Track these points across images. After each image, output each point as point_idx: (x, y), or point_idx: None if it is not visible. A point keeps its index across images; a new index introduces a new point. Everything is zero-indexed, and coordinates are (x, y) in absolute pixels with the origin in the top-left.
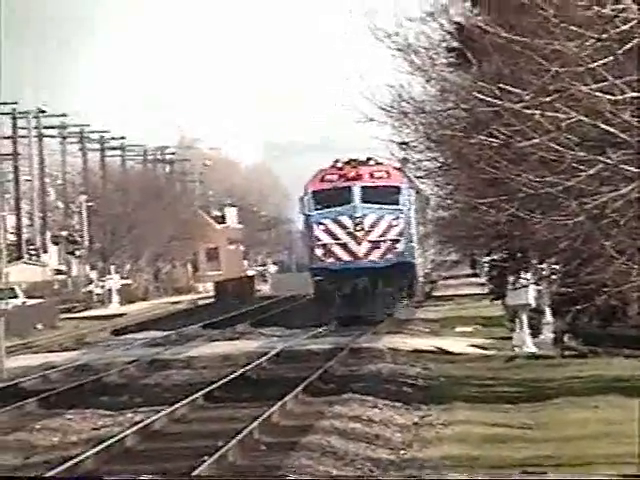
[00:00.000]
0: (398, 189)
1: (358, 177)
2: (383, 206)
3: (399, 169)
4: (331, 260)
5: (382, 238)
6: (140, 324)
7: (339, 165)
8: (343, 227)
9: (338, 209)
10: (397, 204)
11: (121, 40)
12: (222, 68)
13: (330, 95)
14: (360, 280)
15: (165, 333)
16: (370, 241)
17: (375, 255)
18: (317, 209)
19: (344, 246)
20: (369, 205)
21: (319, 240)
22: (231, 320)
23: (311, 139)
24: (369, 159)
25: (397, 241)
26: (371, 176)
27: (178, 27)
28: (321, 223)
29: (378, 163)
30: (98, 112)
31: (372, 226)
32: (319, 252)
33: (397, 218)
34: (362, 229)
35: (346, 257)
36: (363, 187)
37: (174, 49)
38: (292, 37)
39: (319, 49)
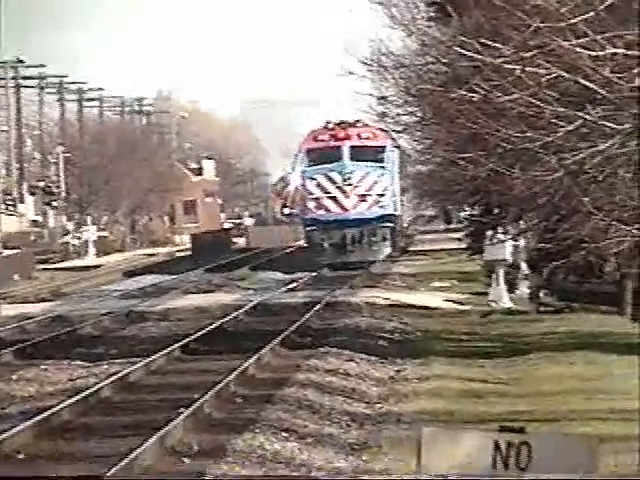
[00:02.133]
0: (383, 148)
1: (347, 137)
2: (369, 163)
3: (384, 130)
4: (322, 212)
5: (368, 192)
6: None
7: (330, 126)
8: (333, 182)
9: (329, 166)
10: (382, 162)
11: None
12: (202, 21)
13: (309, 49)
14: (348, 230)
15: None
16: (358, 195)
17: (362, 208)
18: (310, 165)
19: (334, 199)
20: (357, 162)
21: (311, 194)
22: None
23: (289, 94)
24: (357, 121)
25: (382, 195)
26: (359, 136)
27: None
28: (313, 178)
29: (365, 125)
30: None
31: (359, 181)
32: (311, 205)
33: (382, 175)
34: (350, 184)
35: (336, 209)
36: (352, 146)
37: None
38: None
39: (299, 3)
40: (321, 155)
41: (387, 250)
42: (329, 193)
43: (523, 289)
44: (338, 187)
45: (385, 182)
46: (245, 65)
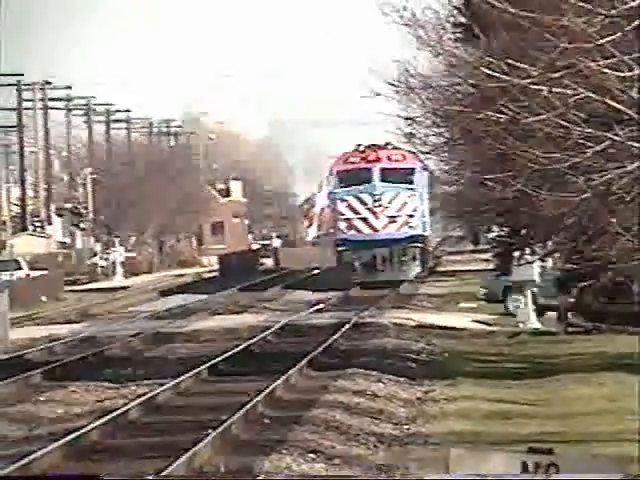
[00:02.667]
0: (412, 170)
1: (377, 160)
2: (399, 185)
3: (413, 153)
4: (353, 232)
5: (398, 213)
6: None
7: (361, 149)
8: (364, 203)
9: (359, 187)
10: (411, 184)
11: (127, 13)
12: (228, 43)
13: (337, 70)
14: (378, 250)
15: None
16: (387, 216)
17: (392, 228)
18: (341, 187)
19: (364, 220)
20: (387, 184)
21: (342, 215)
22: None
23: (316, 115)
24: (387, 144)
25: (411, 216)
26: (389, 159)
27: (186, 2)
28: (344, 200)
29: (395, 148)
30: (104, 84)
31: (389, 203)
32: (342, 226)
33: (411, 196)
34: (380, 205)
35: (366, 230)
36: (382, 169)
37: (182, 22)
38: (301, 13)
39: (327, 24)
40: (352, 177)
41: (416, 270)
42: (360, 214)
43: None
44: (368, 208)
45: (414, 203)
46: (272, 86)
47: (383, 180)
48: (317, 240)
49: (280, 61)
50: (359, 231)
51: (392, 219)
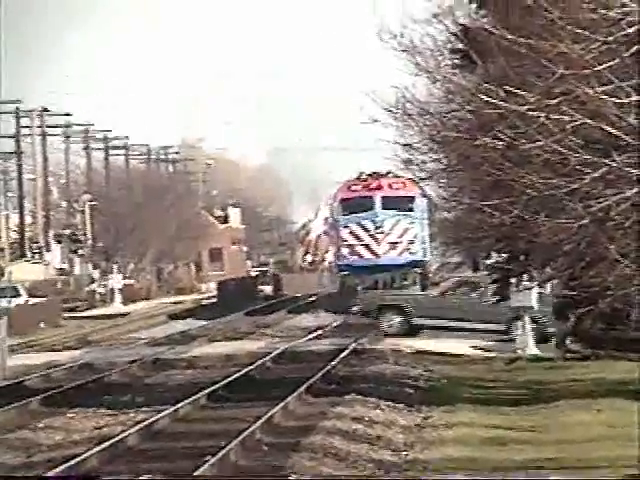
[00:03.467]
0: (412, 198)
1: (379, 187)
2: (400, 212)
3: (413, 180)
4: (355, 258)
5: (399, 240)
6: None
7: (363, 177)
8: (366, 230)
9: (362, 215)
10: (412, 211)
11: (123, 39)
12: (226, 70)
13: (333, 97)
14: (380, 275)
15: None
16: (389, 242)
17: (393, 254)
18: (344, 214)
19: (367, 246)
20: (388, 211)
21: (345, 241)
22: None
23: (314, 142)
24: (389, 172)
25: (412, 242)
26: (390, 187)
27: (181, 27)
28: (347, 226)
29: (396, 176)
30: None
31: (391, 229)
32: (345, 251)
33: (412, 223)
34: (382, 232)
35: (368, 255)
36: (383, 196)
37: (178, 49)
38: (296, 39)
39: (325, 49)
40: (355, 204)
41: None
42: (362, 240)
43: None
44: (371, 235)
45: (415, 230)
46: (271, 113)
47: (384, 207)
48: (313, 267)
49: (278, 87)
50: (361, 257)
51: (393, 245)
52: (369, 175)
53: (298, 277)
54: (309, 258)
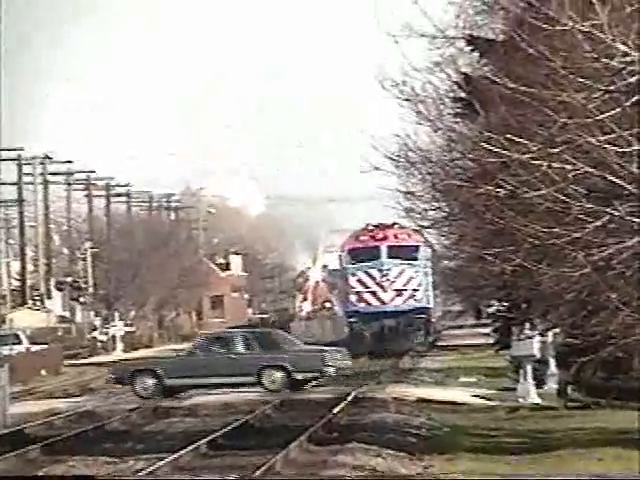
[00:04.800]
0: (417, 248)
1: (385, 238)
2: (405, 261)
3: (418, 231)
4: (362, 305)
5: (404, 287)
6: None
7: (370, 228)
8: (372, 278)
9: (369, 263)
10: (416, 260)
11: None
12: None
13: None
14: (386, 321)
15: None
16: (394, 290)
17: (399, 301)
18: (352, 263)
19: (373, 293)
20: (394, 260)
21: (353, 288)
22: None
23: (314, 190)
24: (394, 224)
25: (416, 290)
26: (395, 237)
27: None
28: (354, 274)
29: (401, 227)
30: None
31: (396, 277)
32: (353, 298)
33: (416, 271)
34: (388, 280)
35: (375, 302)
36: (389, 246)
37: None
38: (296, 86)
39: (325, 96)
40: (362, 254)
41: (421, 339)
42: (369, 288)
43: (551, 385)
44: (377, 283)
45: (419, 278)
46: (270, 163)
47: (390, 257)
48: (311, 315)
49: (279, 135)
50: (369, 303)
51: (399, 292)
52: (375, 226)
53: (299, 325)
54: (307, 306)
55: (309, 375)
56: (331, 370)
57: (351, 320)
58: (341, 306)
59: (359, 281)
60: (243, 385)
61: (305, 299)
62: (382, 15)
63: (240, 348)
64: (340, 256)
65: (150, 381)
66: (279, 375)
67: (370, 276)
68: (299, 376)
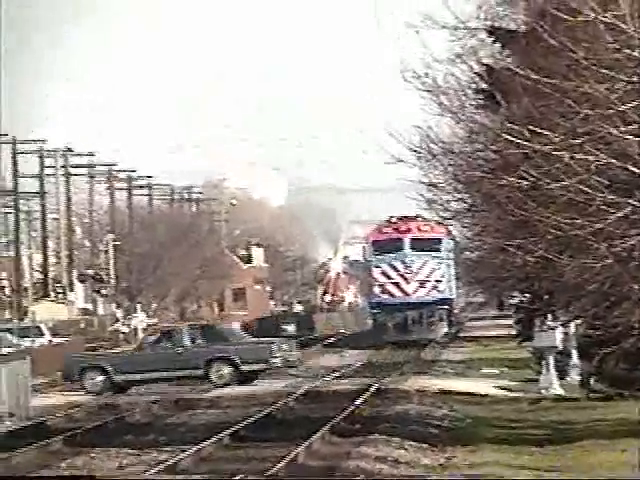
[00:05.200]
0: (439, 240)
1: (408, 230)
2: (428, 253)
3: (440, 223)
4: (386, 296)
5: (427, 279)
6: None
7: (393, 220)
8: (396, 270)
9: (392, 255)
10: (439, 251)
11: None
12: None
13: (356, 136)
14: (410, 312)
15: None
16: (418, 281)
17: (422, 292)
18: (375, 255)
19: (397, 285)
20: (417, 252)
21: (377, 280)
22: None
23: (337, 181)
24: (417, 216)
25: (439, 281)
26: (418, 229)
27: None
28: (378, 266)
29: (424, 219)
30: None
31: (419, 269)
32: (377, 290)
33: (439, 263)
34: (411, 272)
35: (398, 294)
36: (412, 238)
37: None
38: (320, 78)
39: (347, 88)
40: (385, 246)
41: (444, 330)
42: (392, 279)
43: (573, 376)
44: (400, 274)
45: (442, 269)
46: (294, 153)
47: (413, 249)
48: (331, 306)
49: (301, 128)
50: (392, 295)
51: (422, 284)
52: (399, 219)
53: (321, 317)
54: (328, 298)
55: (255, 367)
56: (278, 361)
57: (374, 311)
58: (365, 297)
59: (383, 273)
60: (190, 378)
61: (326, 291)
62: (404, 6)
63: (187, 342)
64: (364, 248)
65: (99, 377)
66: (226, 368)
67: (393, 268)
68: (246, 368)
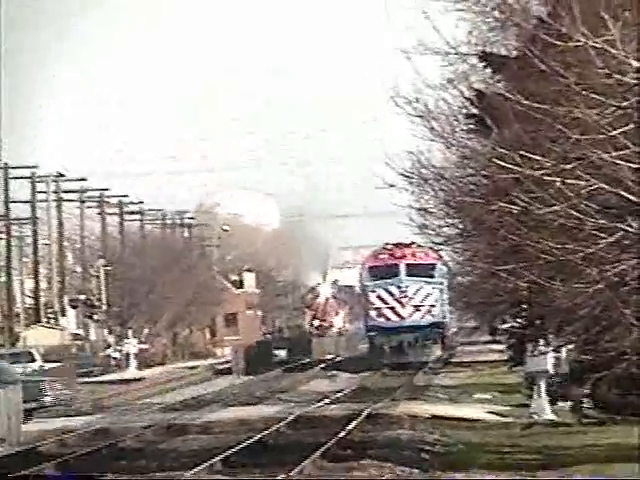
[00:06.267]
0: (434, 266)
1: (403, 256)
2: (422, 279)
3: (434, 250)
4: (382, 320)
5: (422, 303)
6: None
7: (389, 247)
8: (391, 294)
9: (388, 281)
10: (433, 277)
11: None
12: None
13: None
14: (405, 335)
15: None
16: (413, 305)
17: (417, 316)
18: (372, 280)
19: (392, 309)
20: (412, 278)
21: (373, 304)
22: None
23: (328, 207)
24: (412, 243)
25: (433, 306)
26: (413, 255)
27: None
28: (374, 291)
29: (419, 246)
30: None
31: (414, 294)
32: (373, 314)
33: (433, 288)
34: (406, 296)
35: (394, 317)
36: (407, 264)
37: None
38: (310, 103)
39: (338, 112)
40: (381, 271)
41: (437, 352)
42: (388, 304)
43: (565, 401)
44: (396, 299)
45: (436, 294)
46: (285, 180)
47: (408, 274)
48: (320, 331)
49: (291, 154)
50: (388, 319)
51: (417, 308)
52: (394, 245)
53: (327, 341)
54: (317, 322)
55: (27, 405)
56: (48, 400)
57: (371, 334)
58: (361, 321)
59: (379, 297)
60: None
61: (315, 316)
62: (395, 32)
63: None
64: (360, 274)
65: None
66: None
67: (389, 293)
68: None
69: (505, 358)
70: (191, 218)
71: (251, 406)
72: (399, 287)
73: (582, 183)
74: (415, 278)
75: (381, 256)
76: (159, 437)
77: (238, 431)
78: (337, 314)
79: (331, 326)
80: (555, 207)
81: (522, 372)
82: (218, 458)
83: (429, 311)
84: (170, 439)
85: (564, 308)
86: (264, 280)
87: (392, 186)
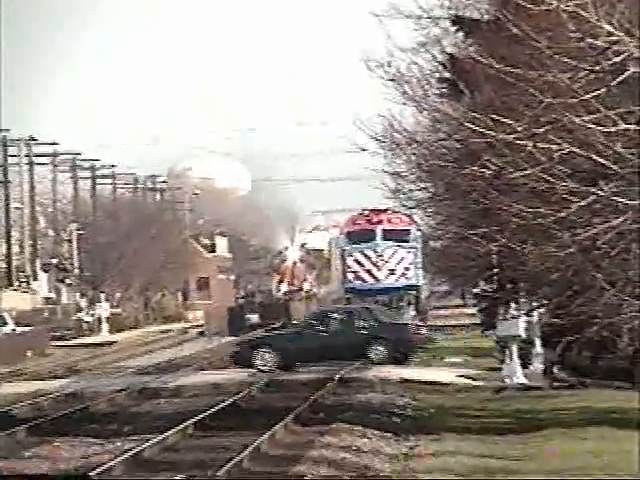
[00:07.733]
0: (408, 231)
1: (379, 222)
2: (397, 243)
3: (409, 216)
4: (359, 282)
5: (396, 267)
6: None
7: (366, 213)
8: (368, 258)
9: (365, 245)
10: (408, 242)
11: (111, 70)
12: (210, 101)
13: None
14: (380, 297)
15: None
16: (388, 269)
17: (392, 279)
18: (349, 244)
19: (369, 272)
20: (387, 242)
21: (350, 267)
22: None
23: (298, 171)
24: (387, 209)
25: (408, 269)
26: (389, 221)
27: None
28: (352, 255)
29: (394, 211)
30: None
31: (389, 258)
32: (350, 276)
33: (408, 252)
34: (382, 259)
35: (370, 280)
36: (383, 229)
37: (165, 79)
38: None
39: (310, 76)
40: (359, 236)
41: (411, 313)
42: (365, 267)
43: (537, 365)
44: (372, 262)
45: (410, 258)
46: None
47: (384, 239)
48: (288, 296)
49: (262, 117)
50: (365, 281)
51: (392, 271)
52: (371, 211)
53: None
54: (284, 287)
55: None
56: None
57: (348, 296)
58: (330, 285)
59: (356, 261)
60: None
61: (281, 280)
62: None
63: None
64: (337, 238)
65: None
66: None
67: (366, 256)
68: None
69: (477, 322)
70: (163, 182)
71: (223, 370)
72: (375, 251)
73: (554, 147)
74: (391, 242)
75: (358, 222)
76: (131, 401)
77: (211, 395)
78: (305, 278)
79: (300, 290)
80: (527, 171)
81: (494, 336)
82: (190, 421)
83: (403, 274)
84: (143, 403)
85: (535, 272)
86: (236, 244)
87: (364, 150)
